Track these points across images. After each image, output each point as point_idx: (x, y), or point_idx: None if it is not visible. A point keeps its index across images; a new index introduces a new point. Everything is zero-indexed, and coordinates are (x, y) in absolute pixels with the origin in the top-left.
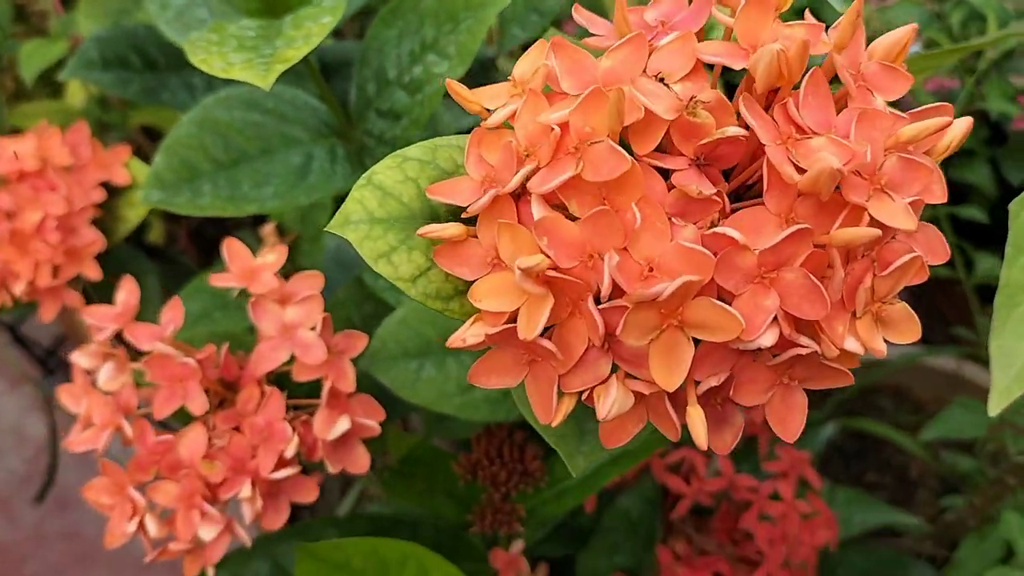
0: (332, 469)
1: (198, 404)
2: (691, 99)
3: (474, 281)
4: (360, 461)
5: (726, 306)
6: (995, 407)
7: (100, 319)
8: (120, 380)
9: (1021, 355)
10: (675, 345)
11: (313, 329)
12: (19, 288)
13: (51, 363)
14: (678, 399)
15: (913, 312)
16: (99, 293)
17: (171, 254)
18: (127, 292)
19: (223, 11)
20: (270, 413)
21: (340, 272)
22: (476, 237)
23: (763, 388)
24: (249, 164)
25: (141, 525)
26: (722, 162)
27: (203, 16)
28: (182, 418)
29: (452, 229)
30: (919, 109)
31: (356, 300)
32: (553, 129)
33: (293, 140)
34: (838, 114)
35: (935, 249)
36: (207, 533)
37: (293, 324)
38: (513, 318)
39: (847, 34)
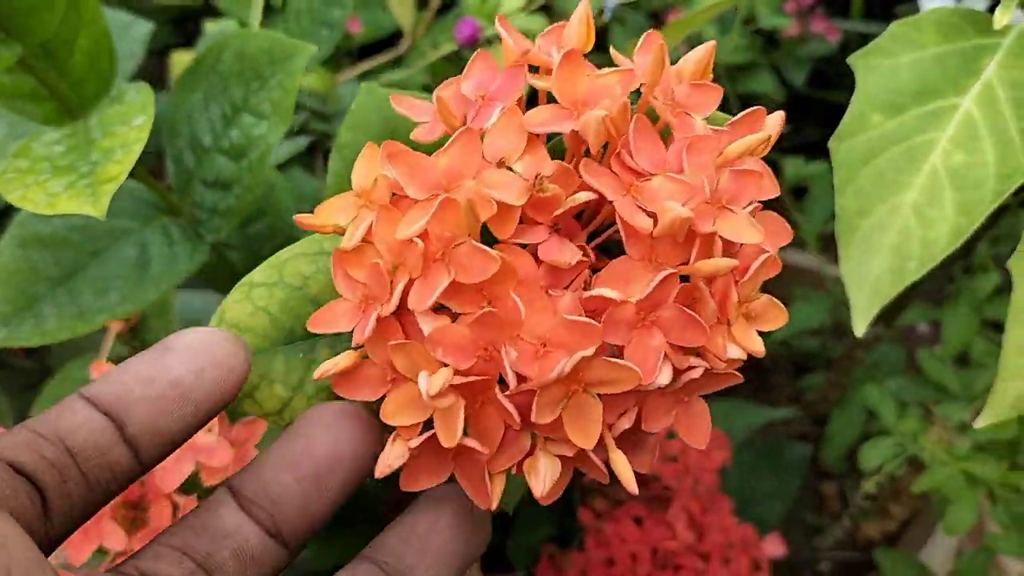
0: None
1: (117, 540)
2: (536, 176)
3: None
4: None
5: (621, 362)
6: (860, 326)
7: None
8: None
9: (870, 274)
10: (583, 406)
11: (211, 431)
12: None
13: None
14: (599, 447)
15: (775, 299)
16: None
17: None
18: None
19: (14, 123)
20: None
21: None
22: (367, 358)
23: (667, 411)
24: (84, 272)
25: None
26: (575, 219)
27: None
28: (97, 555)
29: (345, 360)
30: (736, 119)
31: None
32: (415, 243)
33: (122, 232)
34: (667, 147)
35: (779, 234)
36: None
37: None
38: (428, 424)
39: (656, 72)
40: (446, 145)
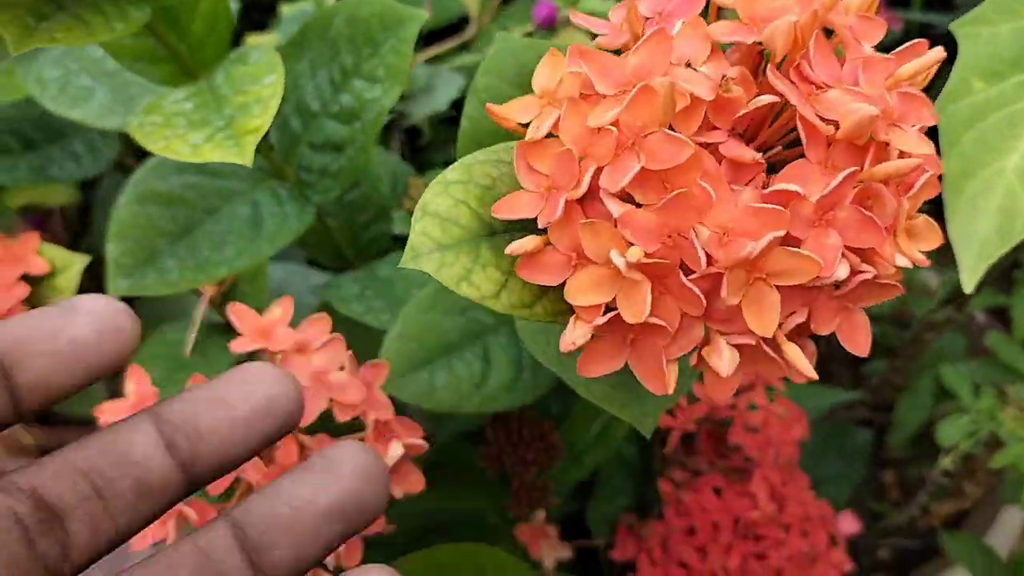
0: (396, 493)
1: (255, 474)
2: (723, 77)
3: (548, 287)
4: (416, 480)
5: (803, 251)
6: (969, 284)
7: (117, 413)
8: None
9: (977, 235)
10: (762, 295)
11: (342, 369)
12: None
13: None
14: (770, 344)
15: (933, 221)
16: None
17: None
18: (137, 381)
19: (115, 88)
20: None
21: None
22: (550, 244)
23: (833, 315)
24: (201, 228)
25: None
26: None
27: (86, 84)
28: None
29: (530, 243)
30: (900, 49)
31: None
32: (610, 130)
33: (233, 193)
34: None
35: (935, 164)
36: None
37: (323, 370)
38: (608, 308)
39: None
40: (636, 45)
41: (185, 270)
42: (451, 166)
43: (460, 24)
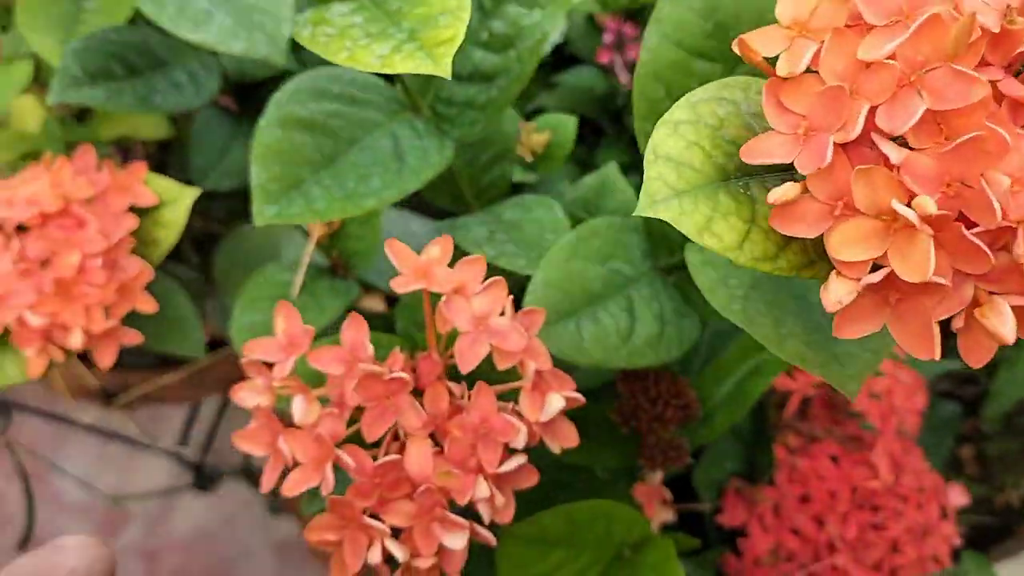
0: (554, 449)
1: (413, 418)
2: (1007, 7)
3: (791, 238)
4: (570, 434)
5: None
6: None
7: (268, 352)
8: (314, 411)
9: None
10: None
11: (503, 314)
12: (75, 340)
13: None
14: None
15: None
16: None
17: (170, 268)
18: (286, 320)
19: (229, 2)
20: (483, 408)
21: None
22: (807, 193)
23: None
24: (344, 158)
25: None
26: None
27: (204, 6)
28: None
29: (792, 191)
30: None
31: None
32: (885, 63)
33: (373, 124)
34: None
35: None
36: (456, 541)
37: (484, 314)
38: (875, 264)
39: None
40: None
41: (332, 200)
42: (676, 104)
43: None
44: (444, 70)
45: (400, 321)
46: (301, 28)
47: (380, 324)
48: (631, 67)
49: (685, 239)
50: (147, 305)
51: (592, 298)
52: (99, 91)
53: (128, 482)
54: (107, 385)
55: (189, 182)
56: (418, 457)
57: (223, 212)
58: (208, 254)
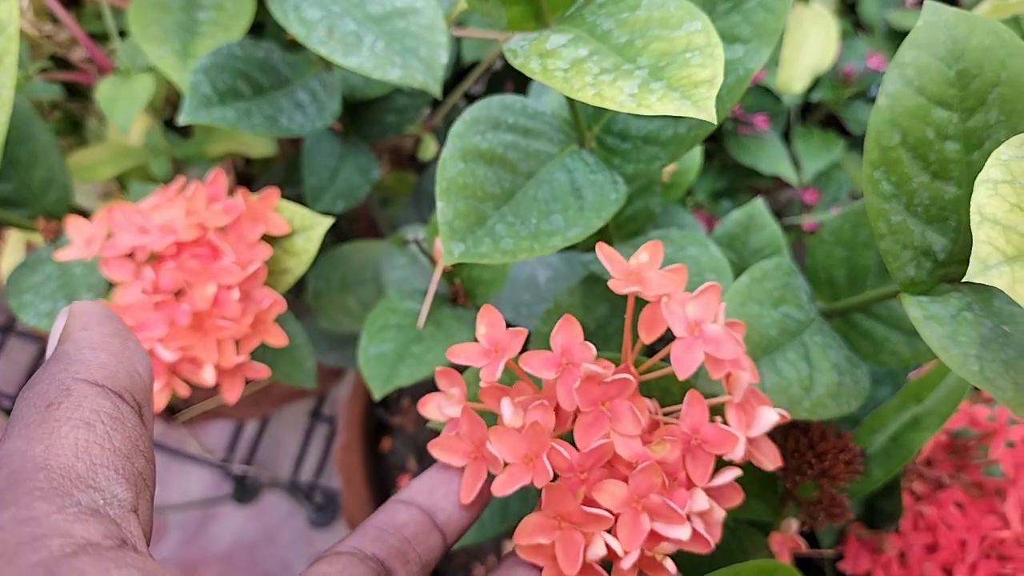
0: (766, 466)
1: (631, 424)
2: None
3: None
4: (773, 453)
5: None
6: None
7: (470, 358)
8: (520, 413)
9: None
10: None
11: (715, 322)
12: (207, 376)
13: None
14: None
15: None
16: None
17: None
18: (489, 324)
19: (378, 25)
20: (694, 418)
21: (524, 288)
22: None
23: None
24: (523, 193)
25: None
26: None
27: (352, 28)
28: None
29: None
30: None
31: (587, 304)
32: None
33: (547, 156)
34: None
35: None
36: (680, 532)
37: (698, 320)
38: None
39: None
40: None
41: (519, 238)
42: (988, 163)
43: None
44: (709, 114)
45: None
46: (525, 59)
47: None
48: None
49: (850, 283)
50: (278, 339)
51: (770, 345)
52: (229, 111)
53: (165, 492)
54: (172, 401)
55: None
56: (628, 441)
57: None
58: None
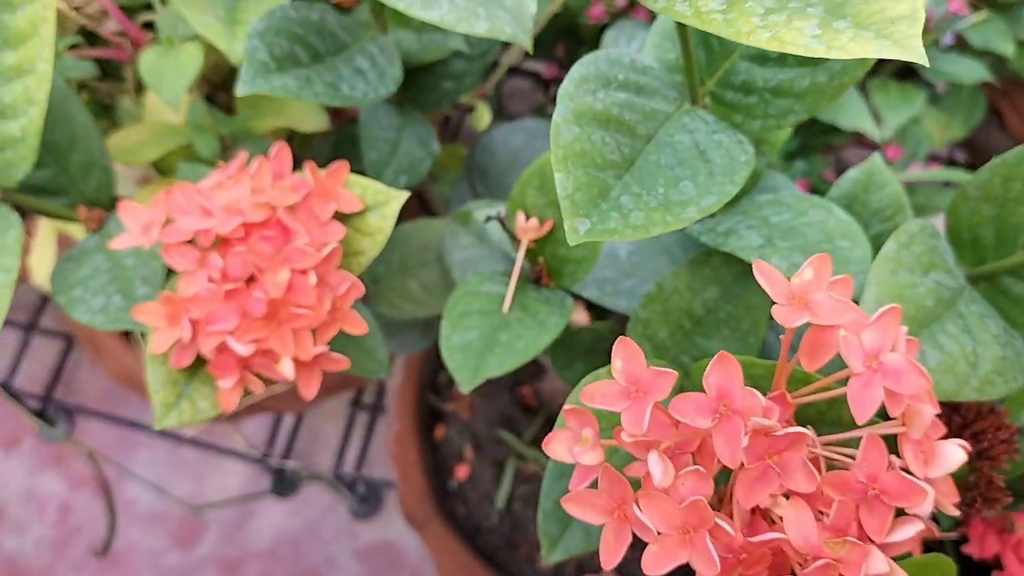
0: (951, 511)
1: (804, 481)
2: None
3: None
4: (952, 491)
5: None
6: None
7: (606, 400)
8: (671, 472)
9: None
10: None
11: (893, 351)
12: (286, 369)
13: (49, 412)
14: None
15: None
16: None
17: None
18: (627, 358)
19: None
20: (872, 465)
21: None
22: None
23: None
24: (644, 159)
25: None
26: None
27: None
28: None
29: None
30: None
31: (694, 288)
32: None
33: (663, 116)
34: None
35: None
36: None
37: (875, 351)
38: None
39: None
40: None
41: (649, 210)
42: None
43: None
44: (918, 55)
45: (632, 337)
46: (672, 3)
47: (589, 338)
48: None
49: (999, 244)
50: (357, 327)
51: (928, 317)
52: (290, 79)
53: (203, 489)
54: None
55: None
56: (802, 522)
57: None
58: None
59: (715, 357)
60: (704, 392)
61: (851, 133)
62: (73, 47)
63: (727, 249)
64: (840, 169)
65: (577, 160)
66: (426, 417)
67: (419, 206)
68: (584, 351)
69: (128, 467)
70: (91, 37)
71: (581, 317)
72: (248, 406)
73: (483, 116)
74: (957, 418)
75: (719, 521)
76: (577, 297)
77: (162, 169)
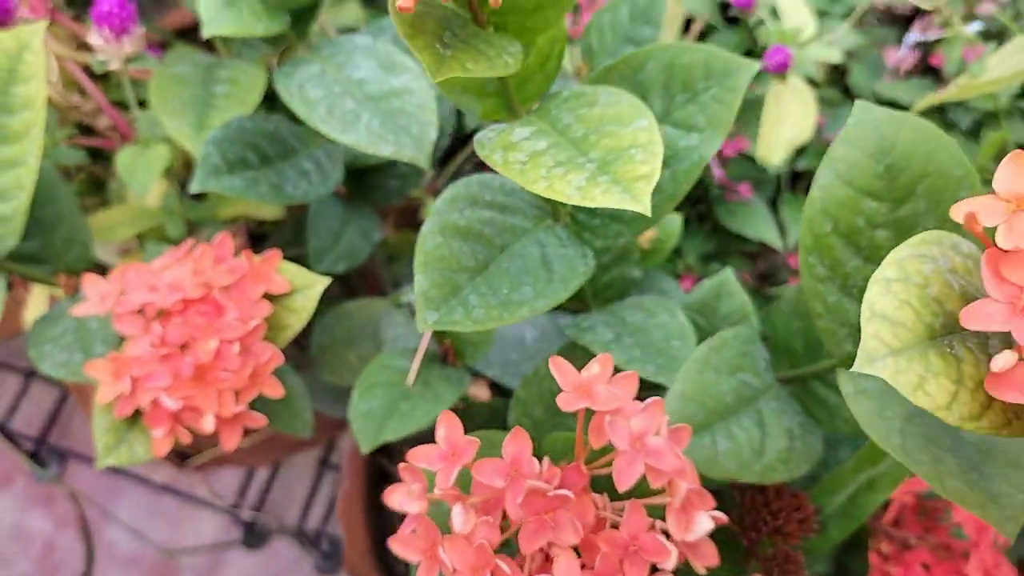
0: (699, 569)
1: (571, 535)
2: None
3: (993, 399)
4: (712, 554)
5: None
6: None
7: (429, 461)
8: (471, 521)
9: None
10: None
11: (657, 434)
12: (207, 424)
13: (42, 454)
14: None
15: None
16: None
17: None
18: (448, 428)
19: (376, 104)
20: (634, 526)
21: (512, 348)
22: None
23: None
24: (496, 265)
25: None
26: None
27: (351, 107)
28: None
29: (1012, 359)
30: None
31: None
32: None
33: (520, 231)
34: None
35: None
36: None
37: (641, 433)
38: None
39: None
40: None
41: (489, 308)
42: (885, 261)
43: None
44: (645, 207)
45: (513, 414)
46: (490, 152)
47: (485, 411)
48: (724, 163)
49: (807, 352)
50: (274, 390)
51: (725, 411)
52: (237, 180)
53: (179, 536)
54: (181, 447)
55: (299, 261)
56: (567, 568)
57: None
58: (306, 330)
59: (512, 431)
60: (502, 459)
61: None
62: (71, 137)
63: (583, 342)
64: (758, 272)
65: (436, 264)
66: (376, 478)
67: (375, 285)
68: (480, 423)
69: (111, 511)
70: (86, 129)
71: (482, 393)
72: (214, 458)
73: (430, 209)
74: (760, 497)
75: (499, 563)
76: (483, 376)
77: (144, 242)
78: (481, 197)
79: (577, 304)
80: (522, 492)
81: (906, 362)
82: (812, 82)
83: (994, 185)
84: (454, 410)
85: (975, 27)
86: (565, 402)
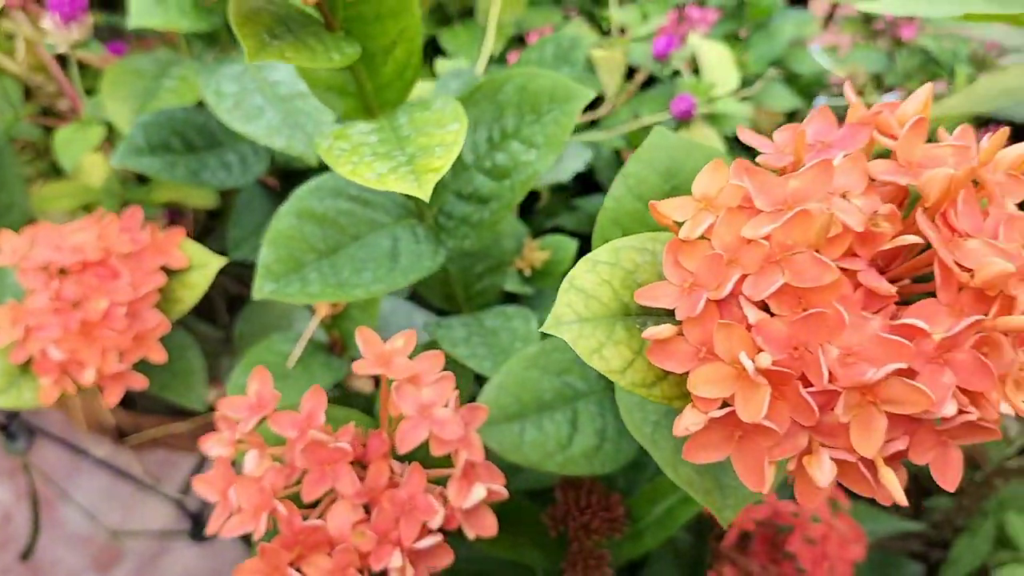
0: (470, 535)
1: (348, 485)
2: (874, 212)
3: (670, 372)
4: (490, 524)
5: (919, 384)
6: None
7: (237, 410)
8: (264, 465)
9: None
10: (871, 419)
11: (446, 407)
12: (87, 376)
13: (12, 428)
14: (868, 465)
15: None
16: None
17: (191, 324)
18: (260, 383)
19: (283, 103)
20: (412, 487)
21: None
22: (682, 335)
23: (930, 448)
24: (345, 251)
25: None
26: (883, 264)
27: (258, 103)
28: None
29: (666, 331)
30: None
31: None
32: (759, 242)
33: (378, 224)
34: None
35: None
36: None
37: (430, 404)
38: (725, 403)
39: (990, 155)
40: (800, 170)
41: (326, 286)
42: (603, 247)
43: (594, 102)
44: (425, 193)
45: (379, 402)
46: (323, 139)
47: (363, 403)
48: None
49: None
50: (157, 355)
51: (541, 406)
52: (156, 161)
53: (129, 520)
54: (121, 424)
55: (225, 251)
56: (340, 518)
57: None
58: (233, 318)
59: (310, 389)
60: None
61: None
62: (32, 115)
63: (436, 337)
64: None
65: (284, 242)
66: None
67: None
68: (361, 409)
69: (67, 490)
70: (49, 111)
71: (364, 385)
72: (153, 439)
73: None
74: (573, 494)
75: (278, 504)
76: None
77: (88, 211)
78: (347, 191)
79: (454, 307)
80: (305, 441)
81: (590, 329)
82: (728, 138)
83: (692, 187)
84: (333, 399)
85: (890, 98)
86: (360, 367)
